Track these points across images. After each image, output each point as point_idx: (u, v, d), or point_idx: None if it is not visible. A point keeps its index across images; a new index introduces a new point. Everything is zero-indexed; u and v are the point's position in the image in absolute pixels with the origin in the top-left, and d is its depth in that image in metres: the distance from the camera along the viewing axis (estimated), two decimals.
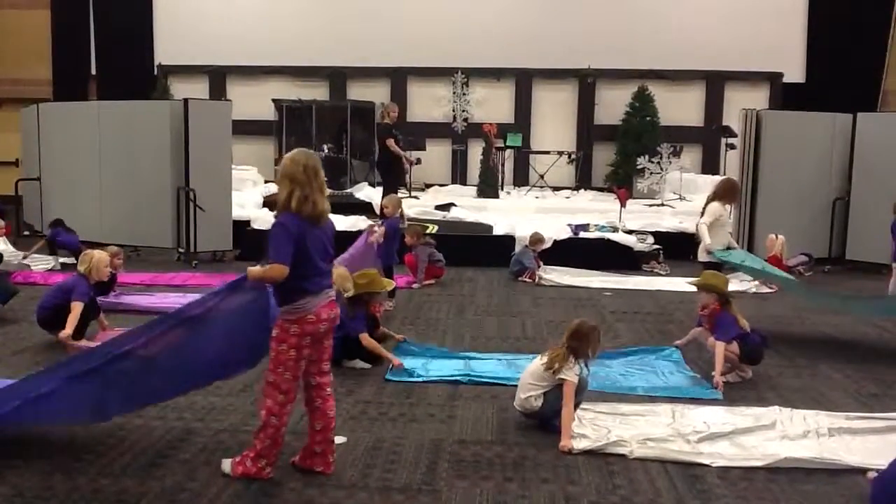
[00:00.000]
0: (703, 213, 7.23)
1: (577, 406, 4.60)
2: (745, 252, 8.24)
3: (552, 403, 4.51)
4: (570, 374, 4.49)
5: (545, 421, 4.60)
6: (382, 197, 10.67)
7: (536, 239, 9.85)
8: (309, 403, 3.96)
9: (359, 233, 9.12)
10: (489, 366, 5.94)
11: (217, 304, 3.94)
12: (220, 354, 4.07)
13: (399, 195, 9.25)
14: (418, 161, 14.72)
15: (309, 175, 3.76)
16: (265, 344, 3.85)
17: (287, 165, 3.79)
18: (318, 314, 3.78)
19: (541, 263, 9.72)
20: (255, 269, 3.79)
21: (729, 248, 7.22)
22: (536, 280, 9.39)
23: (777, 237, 9.71)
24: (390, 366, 5.70)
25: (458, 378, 5.54)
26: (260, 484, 3.82)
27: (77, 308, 6.04)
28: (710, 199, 7.25)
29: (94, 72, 17.16)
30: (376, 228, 7.80)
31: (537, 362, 4.67)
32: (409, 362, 5.91)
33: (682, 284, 8.98)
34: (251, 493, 3.77)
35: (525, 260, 9.66)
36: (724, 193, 7.24)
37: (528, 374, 4.67)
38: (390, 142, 11.30)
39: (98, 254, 6.37)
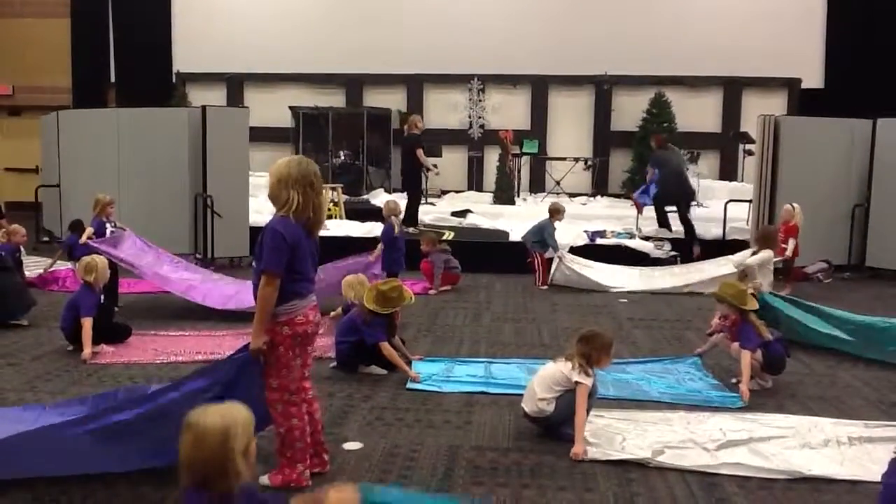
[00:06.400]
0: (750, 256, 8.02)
1: (587, 412, 4.55)
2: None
3: (563, 410, 4.46)
4: (584, 378, 4.45)
5: (554, 427, 4.55)
6: (407, 206, 10.86)
7: (555, 209, 9.63)
8: None
9: (374, 239, 9.18)
10: (510, 371, 5.93)
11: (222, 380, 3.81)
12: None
13: (395, 200, 9.55)
14: (435, 167, 14.74)
15: (318, 183, 3.76)
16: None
17: (302, 168, 3.70)
18: (307, 315, 3.80)
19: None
20: (255, 328, 3.70)
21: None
22: (549, 276, 9.37)
23: (794, 206, 9.38)
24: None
25: (478, 390, 5.45)
26: (274, 491, 3.81)
27: (87, 324, 6.12)
28: (759, 247, 7.96)
29: (113, 79, 17.36)
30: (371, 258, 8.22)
31: (552, 366, 4.63)
32: (430, 368, 5.90)
33: (712, 270, 9.37)
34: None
35: (546, 234, 9.45)
36: (767, 240, 7.99)
37: (541, 377, 4.61)
38: (420, 152, 11.42)
39: (100, 259, 6.41)
